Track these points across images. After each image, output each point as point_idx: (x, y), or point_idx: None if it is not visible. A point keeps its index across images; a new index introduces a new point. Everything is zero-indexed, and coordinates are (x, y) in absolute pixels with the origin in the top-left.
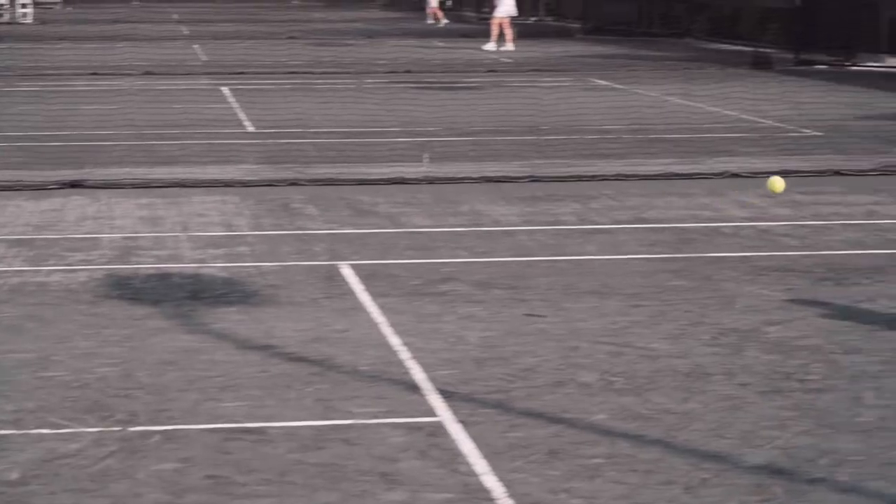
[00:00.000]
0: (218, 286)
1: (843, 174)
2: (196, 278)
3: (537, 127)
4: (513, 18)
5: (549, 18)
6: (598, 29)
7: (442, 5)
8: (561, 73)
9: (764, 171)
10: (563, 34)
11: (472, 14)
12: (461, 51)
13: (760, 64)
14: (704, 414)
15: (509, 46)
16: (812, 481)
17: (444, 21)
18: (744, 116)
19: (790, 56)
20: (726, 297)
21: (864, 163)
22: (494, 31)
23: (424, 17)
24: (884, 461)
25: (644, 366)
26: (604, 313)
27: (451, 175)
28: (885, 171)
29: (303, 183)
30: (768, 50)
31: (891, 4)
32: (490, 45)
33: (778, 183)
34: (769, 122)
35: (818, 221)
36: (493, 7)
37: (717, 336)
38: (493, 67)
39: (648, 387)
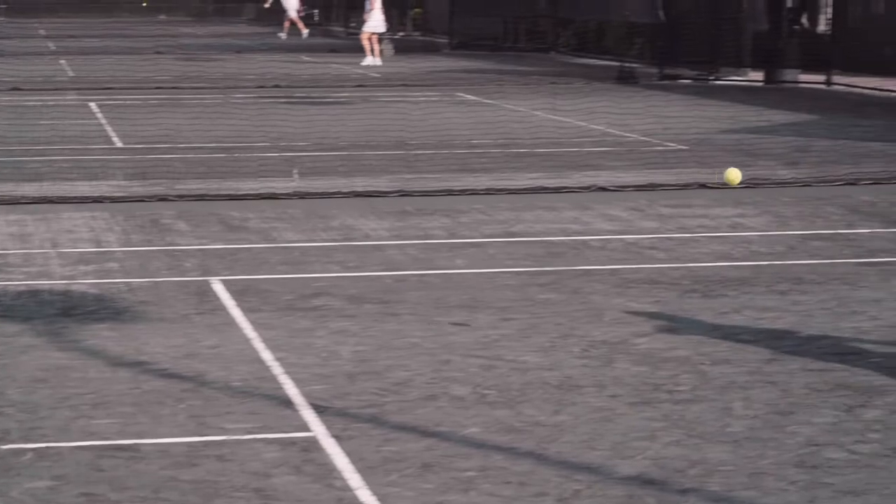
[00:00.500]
0: (89, 303)
1: (708, 187)
2: (66, 295)
3: (406, 142)
4: (381, 34)
5: (416, 34)
6: (464, 44)
7: (307, 18)
8: (429, 87)
9: (630, 184)
10: (431, 49)
11: (340, 29)
12: (330, 65)
13: (626, 78)
14: (576, 425)
15: (377, 61)
16: (683, 491)
17: (307, 31)
18: (610, 130)
19: (655, 71)
20: (595, 309)
21: None
22: (366, 45)
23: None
24: (753, 471)
25: (515, 378)
26: (475, 327)
27: (321, 190)
28: (749, 185)
29: (172, 198)
30: (634, 65)
31: (753, 19)
32: (368, 60)
33: (734, 174)
34: (635, 136)
35: (684, 234)
36: (362, 22)
37: (587, 348)
38: (362, 82)
39: (520, 399)
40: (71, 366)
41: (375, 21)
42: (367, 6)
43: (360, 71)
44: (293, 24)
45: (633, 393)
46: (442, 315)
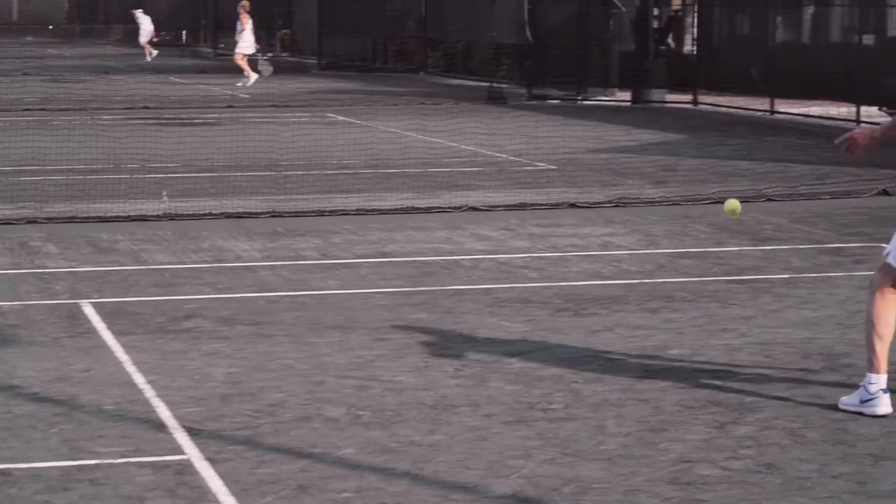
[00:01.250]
0: None
1: (578, 206)
2: None
3: (277, 162)
4: (251, 55)
5: (285, 54)
6: (333, 65)
7: (169, 42)
8: (299, 108)
9: (501, 204)
10: (300, 70)
11: (209, 50)
12: (198, 86)
13: (495, 99)
14: (451, 445)
15: (251, 80)
16: None
17: (154, 53)
18: (480, 150)
19: (524, 91)
20: (468, 329)
21: (598, 195)
22: (243, 65)
23: (171, 52)
24: (627, 488)
25: (390, 399)
26: (348, 347)
27: (191, 211)
28: (618, 203)
29: (41, 221)
30: (502, 85)
31: (619, 39)
32: (251, 79)
33: (734, 204)
34: (505, 156)
35: (555, 253)
36: (234, 43)
37: (461, 368)
38: (231, 103)
39: (395, 420)
40: None
41: (247, 42)
42: (238, 27)
43: (233, 92)
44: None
45: (508, 412)
46: (315, 336)
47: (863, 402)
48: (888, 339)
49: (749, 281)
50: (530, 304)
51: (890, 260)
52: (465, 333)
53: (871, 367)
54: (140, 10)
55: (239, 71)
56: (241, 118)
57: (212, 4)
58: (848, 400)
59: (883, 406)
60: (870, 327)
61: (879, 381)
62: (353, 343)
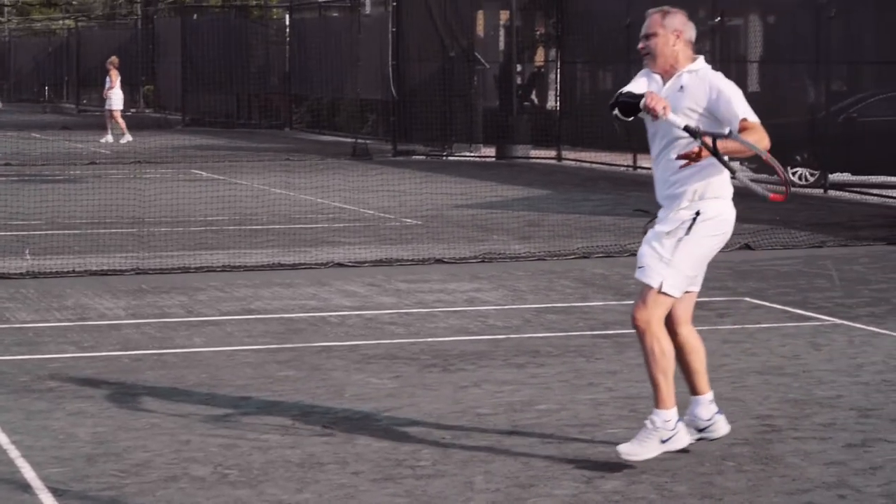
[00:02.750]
0: None
1: (444, 262)
2: None
3: (141, 219)
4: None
5: (148, 110)
6: (197, 121)
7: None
8: (162, 164)
9: (367, 260)
10: (163, 126)
11: (72, 106)
12: (61, 143)
13: (360, 155)
14: (319, 503)
15: (110, 138)
16: None
17: None
18: (346, 206)
19: (389, 147)
20: (336, 385)
21: (464, 250)
22: (121, 122)
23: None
24: None
25: (257, 457)
26: (214, 405)
27: (54, 269)
28: (484, 259)
29: None
30: (367, 141)
31: (483, 95)
32: (126, 138)
33: None
34: (371, 212)
35: (422, 309)
36: (104, 99)
37: (329, 424)
38: (94, 159)
39: (262, 478)
40: None
41: (117, 97)
42: (108, 83)
43: (106, 149)
44: None
45: (376, 469)
46: (181, 395)
47: (664, 441)
48: (671, 371)
49: (614, 335)
50: (398, 361)
51: (666, 289)
52: (333, 390)
53: (659, 403)
54: None
55: (104, 127)
56: (104, 175)
57: (74, 61)
58: (633, 449)
59: (684, 438)
60: (652, 363)
61: (671, 415)
62: (219, 401)
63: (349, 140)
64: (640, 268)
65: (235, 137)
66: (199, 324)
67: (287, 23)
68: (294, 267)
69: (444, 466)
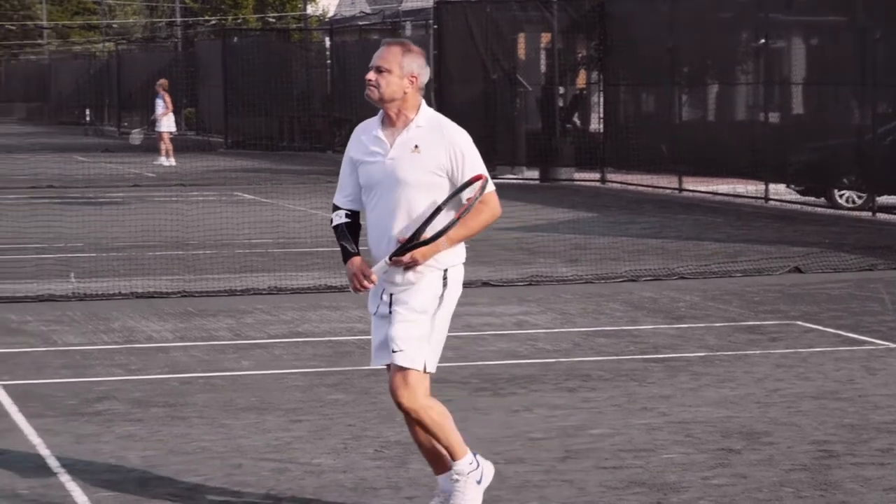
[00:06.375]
0: None
1: (491, 285)
2: None
3: (185, 242)
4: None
5: (190, 133)
6: (240, 143)
7: None
8: (205, 187)
9: None
10: (206, 148)
11: (113, 128)
12: (104, 165)
13: None
14: None
15: (164, 160)
16: None
17: None
18: None
19: None
20: (386, 409)
21: (511, 273)
22: (168, 146)
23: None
24: None
25: (309, 482)
26: (265, 429)
27: (100, 292)
28: (532, 282)
29: None
30: None
31: (527, 118)
32: (172, 160)
33: None
34: None
35: (471, 332)
36: (153, 122)
37: (381, 449)
38: (137, 182)
39: (315, 503)
40: None
41: (169, 120)
42: (160, 107)
43: (157, 171)
44: None
45: (429, 494)
46: (230, 418)
47: (479, 482)
48: (451, 424)
49: (665, 359)
50: (448, 384)
51: (428, 367)
52: (384, 414)
53: (455, 456)
54: None
55: (155, 150)
56: (147, 197)
57: (115, 83)
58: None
59: (489, 469)
60: (436, 432)
61: (467, 457)
62: (270, 425)
63: None
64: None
65: (278, 160)
66: (246, 346)
67: (327, 45)
68: (341, 290)
69: (498, 492)
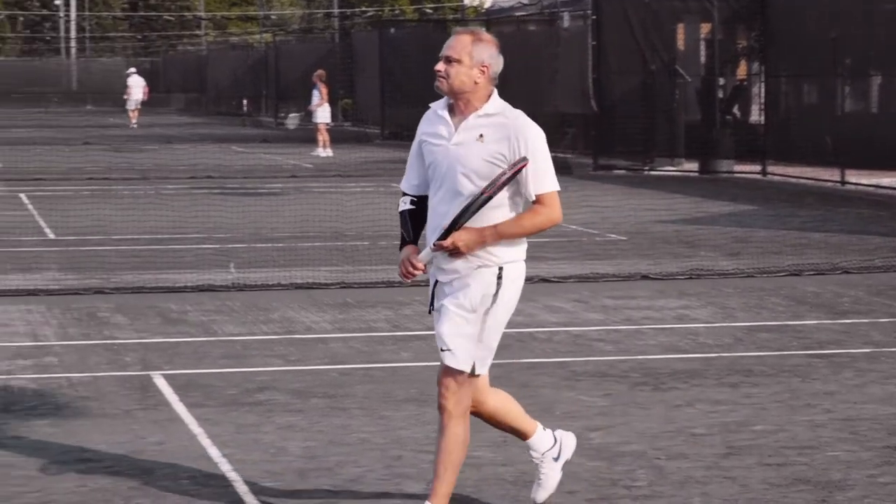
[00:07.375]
0: (28, 398)
1: (650, 278)
2: (6, 390)
3: (343, 232)
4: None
5: (347, 124)
6: (396, 134)
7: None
8: (362, 178)
9: (572, 275)
10: (363, 140)
11: (270, 119)
12: (262, 156)
13: (560, 169)
14: None
15: (329, 152)
16: None
17: (135, 123)
18: None
19: (589, 161)
20: (546, 402)
21: (671, 267)
22: (325, 136)
23: (232, 122)
24: None
25: (470, 474)
26: (424, 421)
27: (259, 282)
28: (692, 275)
29: (108, 291)
30: (567, 155)
31: (686, 109)
32: (328, 151)
33: None
34: (574, 227)
35: (630, 326)
36: (309, 112)
37: None
38: (295, 172)
39: (475, 496)
40: (13, 463)
41: (325, 111)
42: (316, 97)
43: (316, 162)
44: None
45: (590, 489)
46: (390, 409)
47: (556, 459)
48: (511, 409)
49: (829, 355)
50: (608, 378)
51: (478, 369)
52: (543, 407)
53: (524, 438)
54: (134, 71)
55: (312, 141)
56: (304, 188)
57: (273, 74)
58: (544, 493)
59: (569, 442)
60: (504, 422)
61: (537, 437)
62: (429, 417)
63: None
64: None
65: None
66: (405, 338)
67: None
68: None
69: (661, 487)
